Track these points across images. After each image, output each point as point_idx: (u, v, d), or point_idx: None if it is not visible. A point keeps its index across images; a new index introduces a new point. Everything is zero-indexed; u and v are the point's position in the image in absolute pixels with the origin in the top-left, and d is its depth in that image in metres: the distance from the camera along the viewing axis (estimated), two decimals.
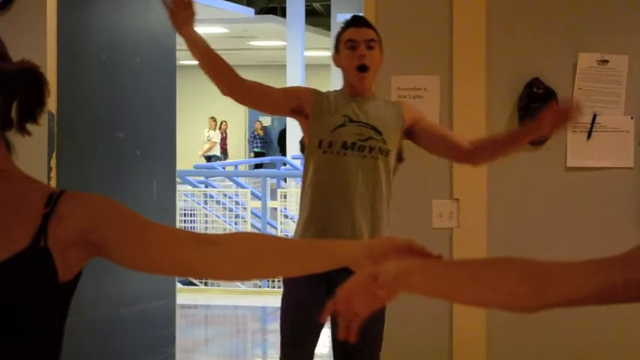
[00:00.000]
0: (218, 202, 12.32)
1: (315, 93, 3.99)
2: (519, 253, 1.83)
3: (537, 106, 4.92)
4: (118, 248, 1.83)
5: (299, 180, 13.34)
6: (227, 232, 11.29)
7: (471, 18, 5.00)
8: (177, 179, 7.82)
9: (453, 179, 4.99)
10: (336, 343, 3.91)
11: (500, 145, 3.97)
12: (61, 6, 5.25)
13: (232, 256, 1.85)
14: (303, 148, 4.06)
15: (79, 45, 5.45)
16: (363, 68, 3.91)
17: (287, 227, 11.92)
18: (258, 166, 20.99)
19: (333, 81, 18.11)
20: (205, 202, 12.22)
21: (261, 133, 24.80)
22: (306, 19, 19.01)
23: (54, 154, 5.19)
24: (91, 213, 1.83)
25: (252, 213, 11.85)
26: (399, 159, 4.01)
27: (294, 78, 18.60)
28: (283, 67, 19.30)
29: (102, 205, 1.85)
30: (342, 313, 1.75)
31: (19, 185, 1.84)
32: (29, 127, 1.83)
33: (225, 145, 24.84)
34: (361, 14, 4.16)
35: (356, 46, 3.92)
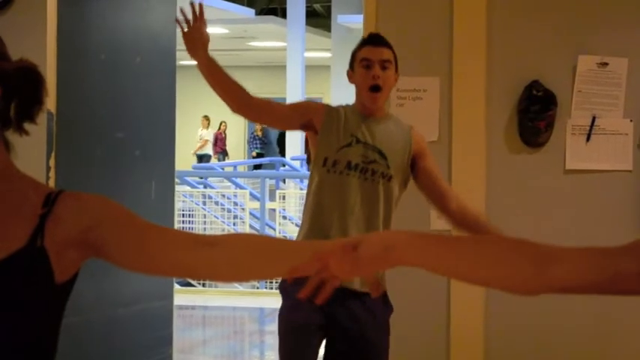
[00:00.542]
0: (217, 203, 12.32)
1: (326, 109, 3.98)
2: None
3: (537, 109, 4.93)
4: (117, 249, 1.83)
5: (298, 181, 13.42)
6: (225, 232, 11.29)
7: (471, 20, 5.00)
8: (176, 179, 7.81)
9: (452, 181, 4.99)
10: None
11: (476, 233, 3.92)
12: (61, 5, 5.25)
13: (230, 258, 1.84)
14: (309, 160, 4.07)
15: (79, 44, 5.45)
16: (375, 88, 3.89)
17: (285, 228, 11.91)
18: (257, 166, 21.00)
19: (333, 82, 18.11)
20: (204, 203, 12.21)
21: (260, 134, 24.81)
22: (307, 20, 19.01)
23: (53, 154, 5.19)
24: (90, 213, 1.82)
25: (250, 214, 11.84)
26: (405, 185, 3.99)
27: (294, 79, 18.60)
28: (283, 67, 19.30)
29: (100, 206, 1.84)
30: (318, 271, 1.73)
31: (17, 185, 1.84)
32: (27, 126, 1.83)
33: (225, 145, 24.86)
34: (378, 33, 4.15)
35: (371, 65, 3.90)
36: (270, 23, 19.55)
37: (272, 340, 8.12)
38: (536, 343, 4.97)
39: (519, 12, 5.01)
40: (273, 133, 25.53)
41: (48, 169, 5.16)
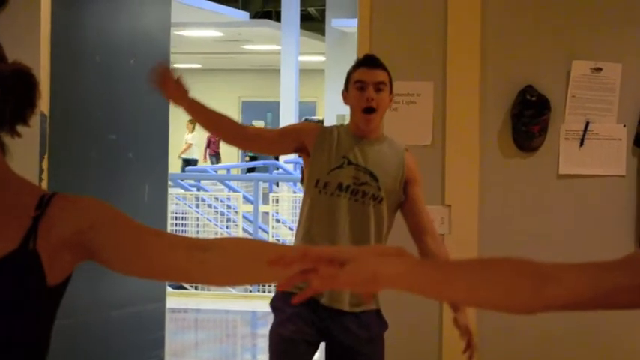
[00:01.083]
0: (210, 206, 12.30)
1: (319, 130, 4.00)
2: None
3: (531, 113, 4.93)
4: (111, 252, 1.82)
5: (291, 184, 13.41)
6: (218, 235, 11.29)
7: (464, 24, 5.01)
8: (169, 182, 7.81)
9: (445, 185, 4.99)
10: None
11: None
12: (55, 7, 5.24)
13: (224, 262, 1.84)
14: (302, 180, 4.10)
15: (73, 46, 5.44)
16: (369, 110, 3.90)
17: (278, 232, 11.91)
18: (250, 170, 20.99)
19: (327, 86, 18.11)
20: (197, 206, 12.20)
21: None
22: (301, 24, 19.01)
23: (46, 156, 5.18)
24: (84, 216, 1.82)
25: (243, 217, 11.83)
26: (396, 208, 3.98)
27: (288, 82, 18.60)
28: (277, 71, 19.30)
29: (95, 208, 1.84)
30: (303, 271, 1.71)
31: (11, 187, 1.83)
32: (19, 128, 1.82)
33: (218, 148, 24.84)
34: (373, 54, 4.17)
35: (365, 87, 3.90)
36: (265, 27, 19.55)
37: (264, 344, 8.10)
38: (529, 344, 4.97)
39: (513, 17, 5.02)
40: None
41: (41, 171, 5.15)
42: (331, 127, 4.03)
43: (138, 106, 5.95)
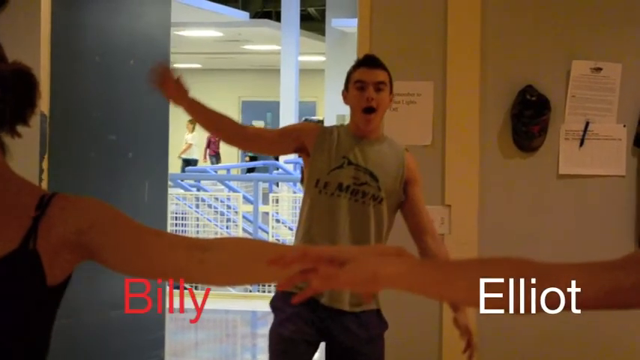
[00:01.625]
0: (210, 206, 12.30)
1: (319, 130, 4.00)
2: None
3: (530, 113, 4.93)
4: (111, 252, 1.82)
5: (291, 184, 13.40)
6: (218, 236, 11.28)
7: (464, 24, 5.01)
8: (169, 182, 7.81)
9: (445, 185, 4.99)
10: None
11: None
12: (55, 7, 5.25)
13: (224, 262, 1.84)
14: (302, 180, 4.10)
15: (73, 46, 5.44)
16: (369, 110, 3.90)
17: (278, 232, 11.90)
18: (250, 170, 20.98)
19: (327, 86, 18.11)
20: (197, 206, 12.20)
21: None
22: (301, 24, 19.01)
23: (46, 156, 5.18)
24: (84, 216, 1.82)
25: (243, 217, 11.83)
26: (396, 208, 3.98)
27: (288, 82, 18.60)
28: (277, 71, 19.29)
29: (95, 208, 1.84)
30: (303, 270, 1.71)
31: (11, 187, 1.83)
32: (19, 128, 1.82)
33: (218, 148, 24.84)
34: (373, 54, 4.17)
35: (365, 87, 3.90)
36: (265, 27, 19.55)
37: (264, 344, 8.10)
38: (529, 344, 4.97)
39: (513, 17, 5.02)
40: None
41: (41, 171, 5.15)
42: (331, 127, 4.04)
43: (138, 106, 5.95)
